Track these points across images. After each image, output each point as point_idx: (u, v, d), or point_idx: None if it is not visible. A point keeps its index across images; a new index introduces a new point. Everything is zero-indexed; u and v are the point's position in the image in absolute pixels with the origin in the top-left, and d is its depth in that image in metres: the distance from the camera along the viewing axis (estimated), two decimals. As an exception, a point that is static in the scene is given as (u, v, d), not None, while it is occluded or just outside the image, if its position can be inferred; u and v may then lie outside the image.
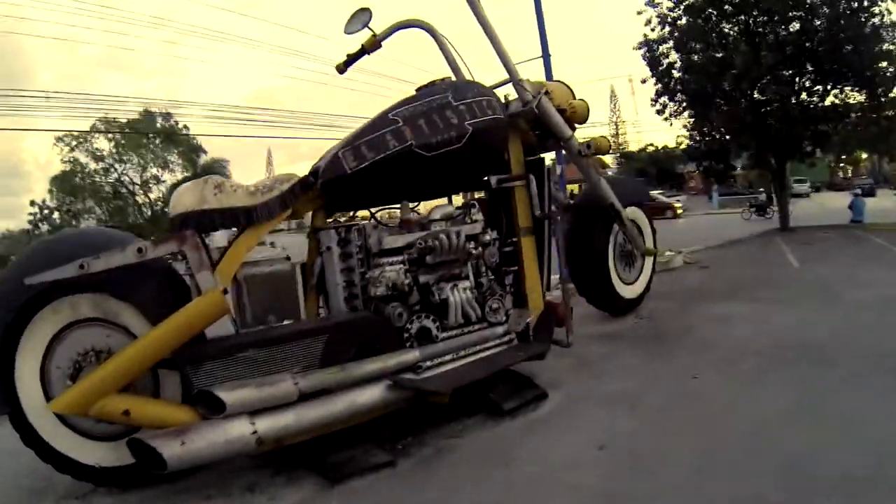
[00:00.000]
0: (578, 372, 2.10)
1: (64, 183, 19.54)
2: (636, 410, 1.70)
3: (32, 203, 19.47)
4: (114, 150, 19.96)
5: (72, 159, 19.58)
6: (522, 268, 2.00)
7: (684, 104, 8.07)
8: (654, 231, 3.09)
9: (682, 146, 9.13)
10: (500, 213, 2.01)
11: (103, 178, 20.00)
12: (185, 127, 20.04)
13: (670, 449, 1.44)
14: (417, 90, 1.92)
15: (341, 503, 1.35)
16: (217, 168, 20.65)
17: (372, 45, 2.17)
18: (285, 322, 1.53)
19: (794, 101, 7.38)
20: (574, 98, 2.32)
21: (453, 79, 2.12)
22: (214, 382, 1.31)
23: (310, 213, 1.71)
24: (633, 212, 2.83)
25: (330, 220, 1.75)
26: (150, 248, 1.29)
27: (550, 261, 2.17)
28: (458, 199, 2.18)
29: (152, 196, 20.44)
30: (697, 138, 8.54)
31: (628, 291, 2.82)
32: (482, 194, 2.15)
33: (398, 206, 1.81)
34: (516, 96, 2.08)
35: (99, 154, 19.80)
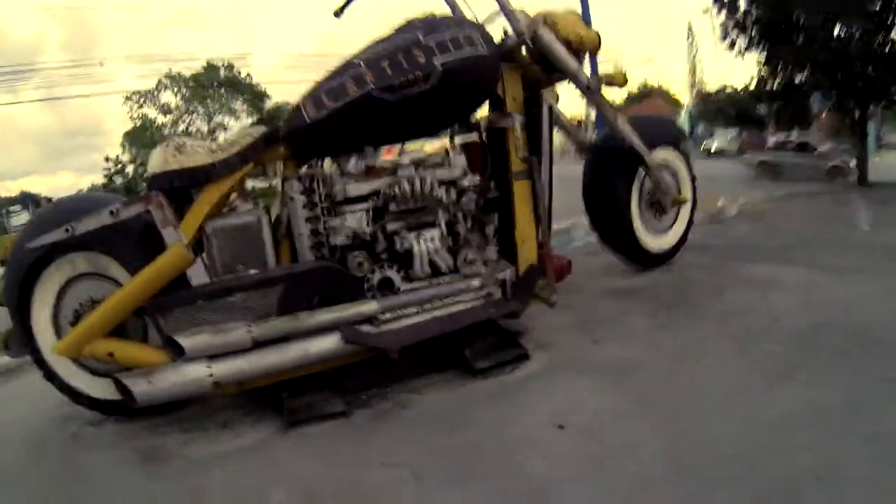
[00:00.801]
0: (574, 332, 1.92)
1: (135, 138, 21.74)
2: (620, 388, 1.49)
3: (107, 159, 22.35)
4: (180, 103, 21.81)
5: (140, 115, 21.96)
6: (513, 216, 1.87)
7: (755, 38, 6.80)
8: (693, 177, 2.66)
9: (752, 86, 7.72)
10: (488, 156, 1.87)
11: (172, 130, 21.89)
12: (249, 75, 21.39)
13: (640, 442, 1.21)
14: (394, 29, 1.81)
15: (292, 445, 1.44)
16: (283, 110, 22.29)
17: None
18: (251, 272, 1.62)
19: (879, 40, 5.87)
20: (584, 27, 2.04)
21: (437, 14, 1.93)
22: (179, 329, 1.47)
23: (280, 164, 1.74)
24: (664, 154, 2.47)
25: (302, 169, 1.74)
26: (122, 210, 1.47)
27: (550, 209, 1.99)
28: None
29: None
30: (767, 77, 7.15)
31: (657, 243, 2.50)
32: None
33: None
34: None
35: (167, 108, 21.79)
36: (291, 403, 1.57)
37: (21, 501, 1.33)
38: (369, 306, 1.61)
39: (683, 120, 29.09)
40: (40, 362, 1.53)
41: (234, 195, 1.75)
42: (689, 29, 35.58)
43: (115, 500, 1.29)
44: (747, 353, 1.60)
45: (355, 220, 1.63)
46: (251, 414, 1.62)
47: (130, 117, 22.93)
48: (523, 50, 1.97)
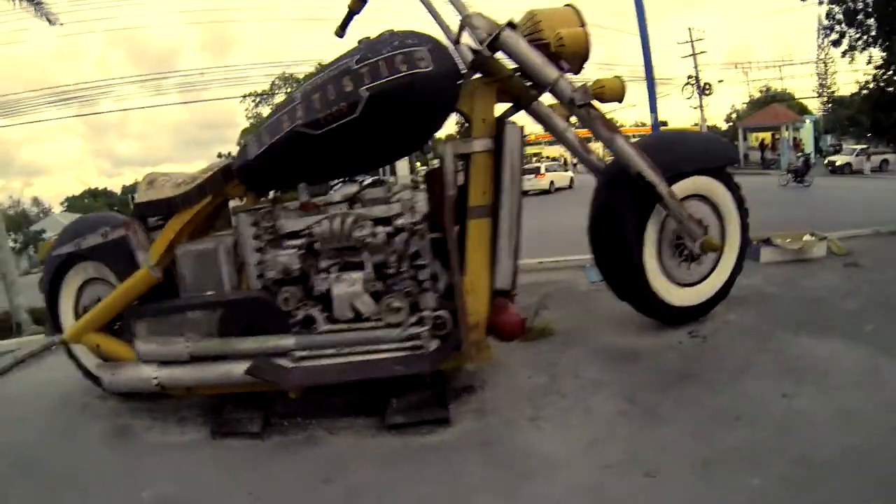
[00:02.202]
0: (525, 402, 1.64)
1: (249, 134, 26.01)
2: (512, 494, 1.22)
3: (220, 155, 25.19)
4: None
5: (256, 114, 24.52)
6: (462, 260, 1.63)
7: (868, 33, 5.13)
8: (743, 211, 1.99)
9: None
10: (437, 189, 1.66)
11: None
12: None
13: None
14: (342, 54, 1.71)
15: (211, 450, 1.62)
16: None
17: (357, 5, 1.94)
18: (207, 293, 1.81)
19: None
20: (572, 23, 1.65)
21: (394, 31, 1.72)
22: (141, 335, 1.74)
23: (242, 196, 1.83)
24: (700, 184, 1.91)
25: (263, 199, 1.81)
26: (111, 232, 1.79)
27: (517, 252, 1.70)
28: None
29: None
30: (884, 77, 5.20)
31: (682, 295, 1.98)
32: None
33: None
34: None
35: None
36: (222, 416, 1.74)
37: (25, 443, 1.78)
38: (286, 341, 1.65)
39: (807, 129, 22.72)
40: (64, 343, 1.98)
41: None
42: (819, 22, 26.01)
43: (83, 458, 1.65)
44: (711, 487, 1.16)
45: (287, 256, 1.66)
46: (202, 415, 1.84)
47: (247, 116, 26.74)
48: (500, 60, 1.69)
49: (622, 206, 1.86)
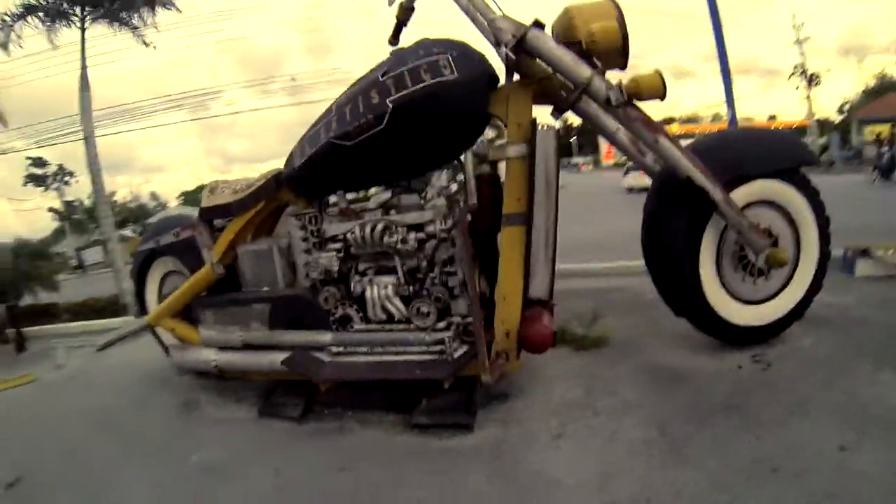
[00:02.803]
0: (554, 417, 1.59)
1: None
2: None
3: None
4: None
5: None
6: (497, 268, 1.61)
7: None
8: (824, 221, 1.74)
9: None
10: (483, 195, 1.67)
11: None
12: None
13: None
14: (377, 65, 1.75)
15: (257, 428, 1.82)
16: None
17: (404, 14, 1.93)
18: (262, 289, 2.00)
19: None
20: (607, 19, 1.53)
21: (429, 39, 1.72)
22: (207, 322, 1.98)
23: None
24: (770, 189, 1.72)
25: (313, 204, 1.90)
26: (181, 232, 2.04)
27: (553, 261, 1.63)
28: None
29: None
30: None
31: (746, 314, 1.78)
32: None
33: None
34: None
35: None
36: (271, 399, 1.93)
37: (109, 407, 2.11)
38: (324, 337, 1.78)
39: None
40: (149, 326, 2.31)
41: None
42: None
43: (152, 423, 1.94)
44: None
45: (327, 258, 1.78)
46: (256, 397, 2.04)
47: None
48: (538, 61, 1.59)
49: (673, 213, 1.71)
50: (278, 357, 1.82)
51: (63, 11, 6.73)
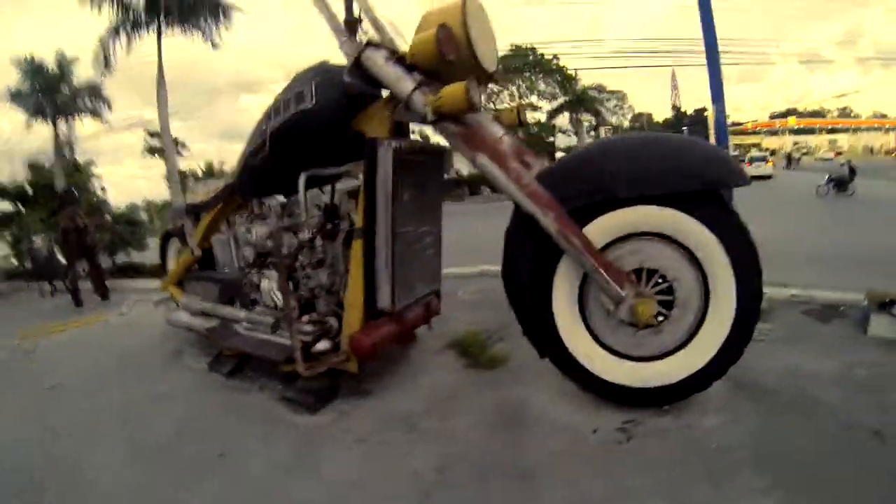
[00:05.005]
0: (371, 422, 1.69)
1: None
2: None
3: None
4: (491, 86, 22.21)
5: None
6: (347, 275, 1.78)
7: None
8: (747, 265, 1.35)
9: None
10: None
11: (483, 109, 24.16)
12: (555, 56, 21.38)
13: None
14: None
15: (200, 377, 2.37)
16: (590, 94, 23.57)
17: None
18: (225, 270, 2.55)
19: None
20: (461, 21, 1.43)
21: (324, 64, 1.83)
22: (188, 292, 2.62)
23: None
24: (655, 219, 1.38)
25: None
26: (178, 220, 2.69)
27: (393, 273, 1.71)
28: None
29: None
30: None
31: (618, 371, 1.50)
32: None
33: None
34: None
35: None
36: (217, 357, 2.47)
37: (131, 346, 2.89)
38: (239, 313, 2.24)
39: None
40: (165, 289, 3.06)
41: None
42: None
43: (151, 363, 2.63)
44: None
45: (248, 251, 2.23)
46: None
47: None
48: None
49: (521, 244, 1.51)
50: (213, 324, 2.36)
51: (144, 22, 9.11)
